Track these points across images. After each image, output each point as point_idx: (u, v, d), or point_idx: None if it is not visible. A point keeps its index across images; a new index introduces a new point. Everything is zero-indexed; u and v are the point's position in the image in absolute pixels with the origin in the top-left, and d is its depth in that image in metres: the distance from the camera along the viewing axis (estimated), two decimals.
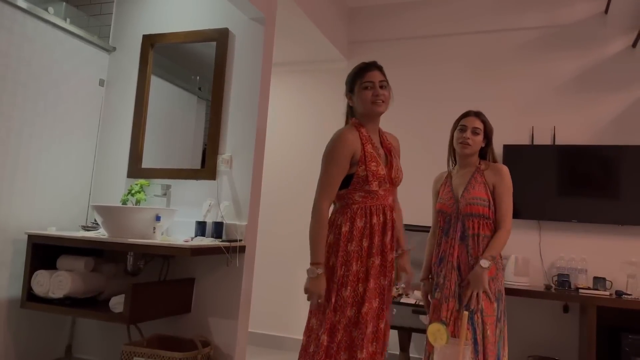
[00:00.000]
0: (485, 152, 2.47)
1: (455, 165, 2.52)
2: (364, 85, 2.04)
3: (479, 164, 2.43)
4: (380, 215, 2.02)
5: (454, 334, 2.24)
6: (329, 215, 2.05)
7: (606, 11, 3.56)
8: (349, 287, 1.95)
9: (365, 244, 1.99)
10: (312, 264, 1.94)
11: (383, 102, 2.05)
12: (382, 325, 1.99)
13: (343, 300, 1.95)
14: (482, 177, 2.39)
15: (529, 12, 3.80)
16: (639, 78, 3.49)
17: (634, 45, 3.46)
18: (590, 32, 3.64)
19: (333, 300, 1.95)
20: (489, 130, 2.45)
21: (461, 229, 2.35)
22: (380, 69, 2.10)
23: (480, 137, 2.41)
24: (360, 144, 2.02)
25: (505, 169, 2.40)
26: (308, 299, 1.94)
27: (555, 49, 3.72)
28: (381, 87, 2.05)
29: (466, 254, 2.32)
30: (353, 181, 2.00)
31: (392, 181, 2.08)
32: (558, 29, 3.73)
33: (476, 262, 2.26)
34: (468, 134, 2.38)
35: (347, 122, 2.16)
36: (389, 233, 2.03)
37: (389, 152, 2.12)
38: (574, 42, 3.68)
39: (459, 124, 2.44)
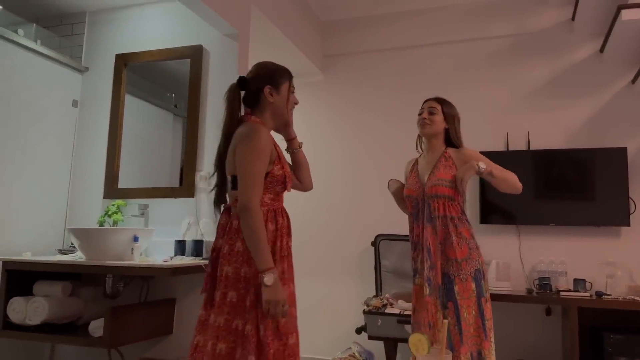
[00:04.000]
0: (451, 139, 2.48)
1: (423, 152, 2.57)
2: (292, 89, 1.99)
3: (446, 149, 2.46)
4: (285, 218, 1.91)
5: (427, 321, 2.25)
6: (223, 219, 1.87)
7: (573, 18, 3.65)
8: None
9: (277, 246, 1.84)
10: (265, 270, 1.68)
11: None
12: (291, 342, 1.81)
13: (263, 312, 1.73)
14: (449, 161, 2.41)
15: (498, 21, 3.88)
16: (607, 82, 3.57)
17: (602, 50, 3.55)
18: (558, 39, 3.73)
19: (255, 314, 1.73)
20: (447, 112, 2.47)
21: (427, 211, 2.36)
22: None
23: (438, 117, 2.44)
24: (273, 142, 1.88)
25: (470, 150, 2.44)
26: (270, 312, 1.68)
27: (526, 56, 3.79)
28: None
29: (434, 236, 2.31)
30: (267, 181, 1.81)
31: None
32: (527, 37, 3.80)
33: (444, 244, 2.29)
34: (425, 114, 2.46)
35: (233, 111, 1.90)
36: (291, 238, 1.93)
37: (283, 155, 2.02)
38: (543, 49, 3.76)
39: (420, 109, 2.52)
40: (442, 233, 2.31)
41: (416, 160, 2.57)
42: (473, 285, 2.24)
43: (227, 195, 1.92)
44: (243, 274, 1.76)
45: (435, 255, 2.29)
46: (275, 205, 1.86)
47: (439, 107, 2.46)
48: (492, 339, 2.27)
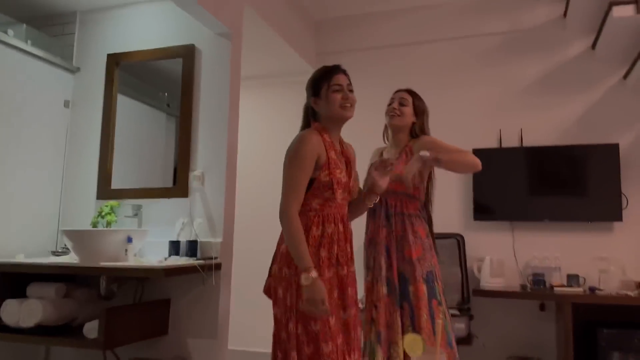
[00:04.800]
0: (415, 132, 2.43)
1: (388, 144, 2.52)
2: (333, 88, 1.96)
3: (407, 143, 2.41)
4: (339, 224, 1.94)
5: (385, 321, 2.22)
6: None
7: (565, 14, 3.66)
8: None
9: (323, 253, 1.88)
10: (303, 271, 1.77)
11: (351, 106, 1.98)
12: (353, 335, 1.90)
13: (302, 313, 1.82)
14: (410, 156, 2.36)
15: (491, 18, 3.89)
16: (599, 79, 3.59)
17: (593, 47, 3.56)
18: (551, 35, 3.74)
19: (294, 313, 1.85)
20: (418, 106, 2.43)
21: (385, 207, 2.32)
22: (346, 72, 2.03)
23: (408, 109, 2.40)
24: (323, 148, 1.93)
25: (426, 137, 2.39)
26: (309, 310, 1.77)
27: (518, 53, 3.81)
28: (349, 90, 1.99)
29: (391, 234, 2.28)
30: (313, 186, 1.90)
31: (350, 191, 2.01)
32: (520, 34, 3.82)
33: (401, 243, 2.25)
34: (395, 104, 2.42)
35: (304, 127, 2.06)
36: (350, 244, 1.97)
37: (348, 162, 2.05)
38: (535, 45, 3.77)
39: (390, 99, 2.47)
40: (399, 231, 2.28)
41: (381, 153, 2.53)
42: (424, 287, 2.20)
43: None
44: (284, 274, 1.88)
45: (393, 254, 2.26)
46: (325, 212, 1.91)
47: (410, 99, 2.42)
48: (446, 344, 2.20)
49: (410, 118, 2.41)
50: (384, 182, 1.99)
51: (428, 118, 2.47)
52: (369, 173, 2.09)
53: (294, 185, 1.89)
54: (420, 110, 2.43)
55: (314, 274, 1.77)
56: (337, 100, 1.96)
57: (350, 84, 2.01)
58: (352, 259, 1.98)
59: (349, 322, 1.91)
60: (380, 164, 1.99)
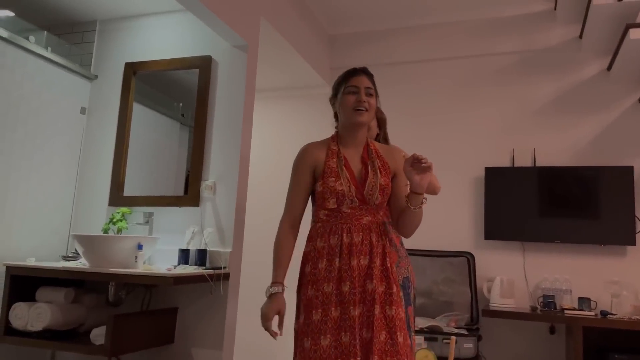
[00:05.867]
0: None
1: None
2: (348, 89, 1.83)
3: None
4: (344, 235, 1.77)
5: None
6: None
7: (581, 36, 3.66)
8: (302, 315, 1.78)
9: (307, 269, 1.81)
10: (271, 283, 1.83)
11: (366, 110, 1.81)
12: (305, 345, 1.73)
13: (299, 327, 1.79)
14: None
15: (506, 37, 3.89)
16: (614, 100, 3.57)
17: (609, 68, 3.55)
18: (566, 56, 3.74)
19: (295, 326, 1.83)
20: (381, 119, 2.43)
21: None
22: (368, 74, 1.89)
23: (374, 123, 2.41)
24: (322, 158, 1.84)
25: (395, 146, 2.38)
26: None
27: (533, 73, 3.80)
28: (367, 94, 1.83)
29: None
30: (316, 198, 1.86)
31: (364, 199, 1.81)
32: (535, 54, 3.82)
33: None
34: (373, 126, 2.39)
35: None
36: (362, 257, 1.77)
37: (368, 166, 1.85)
38: (551, 66, 3.77)
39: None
40: None
41: None
42: (401, 294, 2.10)
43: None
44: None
45: None
46: (331, 223, 1.81)
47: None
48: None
49: (375, 130, 2.42)
50: (423, 180, 1.69)
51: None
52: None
53: (288, 198, 1.92)
54: (383, 122, 2.45)
55: (274, 289, 1.80)
56: (349, 102, 1.83)
57: (371, 87, 1.86)
58: (367, 273, 1.76)
59: (346, 347, 1.68)
60: (414, 160, 1.67)
